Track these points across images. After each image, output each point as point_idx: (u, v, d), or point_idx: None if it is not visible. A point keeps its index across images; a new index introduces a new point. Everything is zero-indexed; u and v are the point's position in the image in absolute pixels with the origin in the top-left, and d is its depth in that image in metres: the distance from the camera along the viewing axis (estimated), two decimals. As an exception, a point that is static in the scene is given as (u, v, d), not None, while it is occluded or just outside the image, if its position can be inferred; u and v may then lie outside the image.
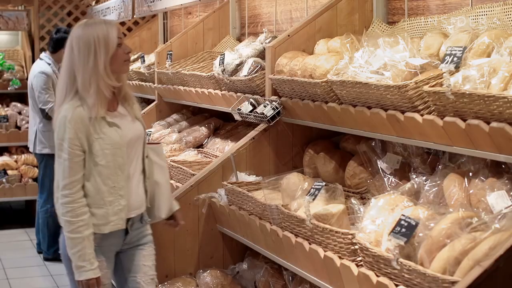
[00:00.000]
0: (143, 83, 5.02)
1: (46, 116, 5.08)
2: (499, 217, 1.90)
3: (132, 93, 2.57)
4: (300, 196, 2.53)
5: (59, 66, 5.29)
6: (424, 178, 2.31)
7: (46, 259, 5.35)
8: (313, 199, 2.39)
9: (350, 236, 2.20)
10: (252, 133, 3.21)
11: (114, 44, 2.40)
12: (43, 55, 5.24)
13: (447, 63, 2.08)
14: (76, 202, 2.35)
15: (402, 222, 1.99)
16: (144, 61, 5.12)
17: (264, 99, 3.13)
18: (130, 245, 2.54)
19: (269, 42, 3.42)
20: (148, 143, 2.60)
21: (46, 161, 5.22)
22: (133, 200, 2.48)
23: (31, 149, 5.32)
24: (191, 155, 3.93)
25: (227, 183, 3.03)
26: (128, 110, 2.49)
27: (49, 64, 5.13)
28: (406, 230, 1.97)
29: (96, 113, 2.35)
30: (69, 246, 2.38)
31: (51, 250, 5.33)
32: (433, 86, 2.12)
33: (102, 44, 2.39)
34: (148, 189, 2.53)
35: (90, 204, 2.39)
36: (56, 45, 5.14)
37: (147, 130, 2.81)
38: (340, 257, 2.24)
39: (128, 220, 2.47)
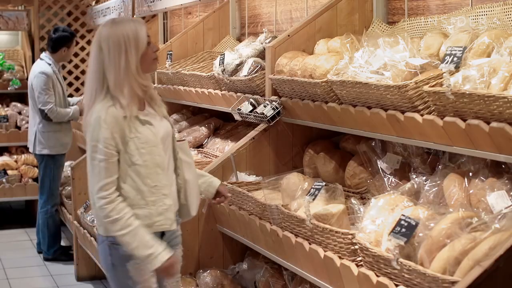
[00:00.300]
0: (143, 83, 5.02)
1: (46, 117, 5.06)
2: (499, 217, 1.90)
3: (157, 93, 2.54)
4: (300, 196, 2.53)
5: (59, 66, 5.22)
6: (424, 178, 2.31)
7: (46, 259, 5.35)
8: (313, 199, 2.39)
9: (350, 236, 2.20)
10: (252, 133, 3.21)
11: (144, 42, 2.37)
12: (43, 55, 5.21)
13: (447, 63, 2.08)
14: (115, 200, 2.30)
15: (402, 222, 1.99)
16: (144, 61, 5.12)
17: (264, 99, 3.13)
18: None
19: (269, 42, 3.42)
20: None
21: (46, 162, 5.20)
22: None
23: (30, 150, 5.30)
24: (191, 155, 3.93)
25: (227, 183, 3.03)
26: (156, 109, 2.46)
27: (50, 65, 5.09)
28: (406, 230, 1.97)
29: (130, 112, 2.31)
30: (128, 243, 2.30)
31: (51, 250, 5.33)
32: (433, 86, 2.12)
33: (132, 43, 2.35)
34: (180, 188, 2.49)
35: (130, 206, 2.33)
36: (56, 45, 5.12)
37: None
38: (340, 257, 2.24)
39: None
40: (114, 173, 2.32)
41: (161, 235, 2.45)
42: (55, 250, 5.35)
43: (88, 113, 2.39)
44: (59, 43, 5.13)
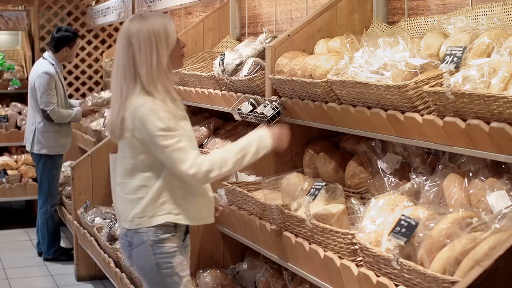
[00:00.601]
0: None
1: (47, 118, 5.04)
2: (499, 217, 1.90)
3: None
4: (300, 196, 2.53)
5: (61, 66, 5.20)
6: (424, 178, 2.30)
7: (46, 260, 5.35)
8: (313, 199, 2.39)
9: (350, 236, 2.20)
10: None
11: (174, 38, 2.36)
12: (46, 54, 5.18)
13: (447, 63, 2.08)
14: (207, 162, 2.29)
15: (402, 222, 1.99)
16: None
17: (264, 99, 3.13)
18: (184, 244, 2.51)
19: (269, 42, 3.42)
20: None
21: (44, 162, 5.18)
22: None
23: (28, 148, 5.27)
24: (191, 155, 3.93)
25: (227, 183, 3.03)
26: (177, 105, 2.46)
27: (53, 65, 5.06)
28: (406, 230, 1.97)
29: (169, 106, 2.32)
30: (239, 165, 2.35)
31: (51, 250, 5.33)
32: (433, 86, 2.12)
33: (163, 38, 2.33)
34: None
35: (183, 196, 2.36)
36: (58, 44, 5.10)
37: None
38: (340, 257, 2.24)
39: None
40: (191, 149, 2.31)
41: (186, 231, 2.47)
42: (55, 250, 5.35)
43: (122, 109, 2.34)
44: (61, 42, 5.10)
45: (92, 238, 4.59)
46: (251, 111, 3.17)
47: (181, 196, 2.37)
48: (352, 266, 2.17)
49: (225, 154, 2.36)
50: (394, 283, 1.99)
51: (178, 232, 2.44)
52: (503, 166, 2.14)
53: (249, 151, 2.36)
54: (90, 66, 7.11)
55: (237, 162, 2.34)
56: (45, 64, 5.10)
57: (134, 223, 2.40)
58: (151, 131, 2.30)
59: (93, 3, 6.97)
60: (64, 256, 5.33)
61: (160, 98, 2.31)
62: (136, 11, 5.70)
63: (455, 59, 2.08)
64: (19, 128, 6.78)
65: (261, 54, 3.48)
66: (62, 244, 5.56)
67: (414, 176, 2.36)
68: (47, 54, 5.18)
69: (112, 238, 4.11)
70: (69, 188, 5.36)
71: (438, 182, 2.23)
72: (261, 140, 2.38)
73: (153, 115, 2.29)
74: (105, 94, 5.63)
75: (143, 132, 2.33)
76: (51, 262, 5.35)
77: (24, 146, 6.84)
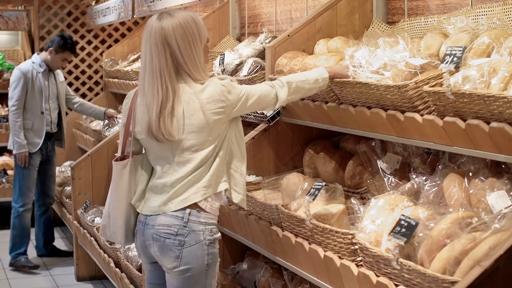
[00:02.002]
0: (143, 83, 5.01)
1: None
2: (499, 217, 1.90)
3: None
4: (300, 196, 2.53)
5: (46, 67, 5.08)
6: (424, 178, 2.30)
7: (10, 264, 5.19)
8: (313, 199, 2.39)
9: (350, 236, 2.20)
10: (252, 133, 3.21)
11: (206, 33, 2.41)
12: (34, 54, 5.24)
13: (447, 63, 2.08)
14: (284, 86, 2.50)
15: (402, 222, 1.99)
16: (144, 61, 5.11)
17: (264, 99, 3.12)
18: None
19: (269, 42, 3.42)
20: None
21: (16, 160, 5.17)
22: None
23: (8, 146, 5.26)
24: (191, 155, 3.92)
25: (227, 183, 3.03)
26: None
27: (33, 63, 5.07)
28: (406, 230, 1.97)
29: None
30: (303, 88, 2.53)
31: (12, 253, 5.19)
32: (433, 86, 2.12)
33: (196, 34, 2.36)
34: None
35: (236, 167, 2.42)
36: (48, 44, 5.14)
37: None
38: (340, 257, 2.24)
39: None
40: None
41: None
42: (18, 253, 5.18)
43: (171, 108, 2.31)
44: (51, 42, 5.12)
45: (92, 238, 4.59)
46: (251, 111, 3.17)
47: (239, 164, 2.43)
48: (352, 266, 2.17)
49: (292, 79, 2.52)
50: (394, 283, 1.99)
51: None
52: (503, 166, 2.14)
53: (305, 80, 2.52)
54: (90, 66, 7.11)
55: (300, 86, 2.51)
56: (26, 62, 5.19)
57: (199, 194, 2.36)
58: (236, 96, 2.37)
59: (93, 3, 6.97)
60: (25, 266, 5.14)
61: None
62: (136, 11, 5.70)
63: (455, 59, 2.08)
64: (18, 128, 6.78)
65: (261, 54, 3.48)
66: (62, 246, 5.54)
67: (414, 176, 2.36)
68: (35, 54, 5.22)
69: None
70: (69, 188, 5.35)
71: (438, 182, 2.23)
72: (322, 73, 2.52)
73: (229, 84, 2.37)
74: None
75: (230, 101, 2.36)
76: (48, 257, 5.36)
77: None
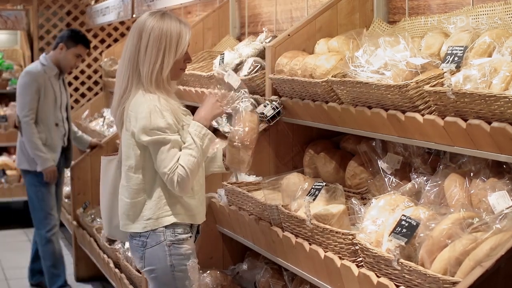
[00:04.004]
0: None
1: (16, 126, 4.44)
2: (500, 217, 1.89)
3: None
4: (300, 196, 2.53)
5: (56, 70, 4.46)
6: (425, 178, 2.30)
7: None
8: (313, 199, 2.39)
9: (350, 237, 2.20)
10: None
11: (184, 49, 2.33)
12: (41, 55, 4.58)
13: (448, 62, 2.07)
14: (182, 175, 2.30)
15: (403, 222, 1.99)
16: (143, 60, 5.08)
17: (264, 99, 3.12)
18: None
19: (269, 41, 3.41)
20: None
21: (29, 179, 4.43)
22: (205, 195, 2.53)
23: (16, 164, 4.55)
24: (190, 155, 3.92)
25: (227, 183, 3.02)
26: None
27: (43, 65, 4.42)
28: (406, 230, 1.96)
29: (173, 105, 2.33)
30: (196, 164, 2.33)
31: (53, 286, 4.49)
32: (434, 85, 2.11)
33: (173, 46, 2.30)
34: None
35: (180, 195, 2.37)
36: (57, 40, 4.54)
37: None
38: (340, 258, 2.23)
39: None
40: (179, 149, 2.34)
41: (197, 232, 2.49)
42: (60, 286, 4.50)
43: (125, 102, 2.33)
44: (60, 38, 4.48)
45: (91, 239, 4.58)
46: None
47: (178, 195, 2.37)
48: (353, 266, 2.16)
49: (191, 159, 2.33)
50: (395, 284, 1.98)
51: (193, 233, 2.46)
52: (504, 166, 2.14)
53: (202, 147, 2.35)
54: (89, 65, 7.10)
55: (196, 161, 2.33)
56: (34, 63, 4.51)
57: (141, 226, 2.38)
58: (141, 127, 2.29)
59: (93, 2, 6.96)
60: None
61: (162, 97, 2.33)
62: (136, 10, 5.69)
63: (456, 58, 2.07)
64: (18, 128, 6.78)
65: (261, 54, 3.47)
66: (62, 246, 5.40)
67: (414, 176, 2.36)
68: (42, 55, 4.57)
69: (111, 239, 4.10)
70: (68, 189, 5.35)
71: (439, 182, 2.23)
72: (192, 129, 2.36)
73: (154, 112, 2.29)
74: None
75: (136, 128, 2.33)
76: None
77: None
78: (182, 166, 2.30)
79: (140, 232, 2.39)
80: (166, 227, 2.38)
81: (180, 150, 2.32)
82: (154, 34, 2.29)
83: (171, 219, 2.37)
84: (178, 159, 2.30)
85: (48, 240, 4.45)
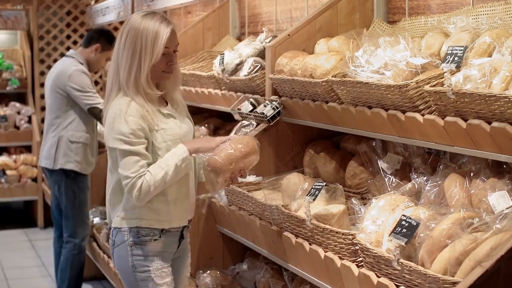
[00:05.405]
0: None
1: (97, 116, 4.04)
2: (500, 217, 1.89)
3: (181, 98, 2.46)
4: (300, 196, 2.53)
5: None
6: (425, 178, 2.30)
7: None
8: (314, 199, 2.39)
9: (350, 237, 2.20)
10: (252, 133, 3.20)
11: (159, 51, 2.23)
12: (71, 52, 4.34)
13: (448, 62, 2.07)
14: (146, 184, 2.23)
15: (403, 222, 1.99)
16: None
17: (264, 99, 3.12)
18: (178, 253, 2.48)
19: (269, 41, 3.41)
20: None
21: (68, 183, 4.15)
22: (192, 200, 2.43)
23: (48, 165, 4.15)
24: (190, 155, 3.91)
25: (227, 183, 3.02)
26: (175, 108, 2.41)
27: (82, 64, 4.24)
28: (407, 230, 1.96)
29: (149, 108, 2.26)
30: (164, 182, 2.25)
31: None
32: (434, 85, 2.11)
33: (149, 48, 2.22)
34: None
35: (156, 200, 2.30)
36: (91, 38, 4.32)
37: None
38: (340, 258, 2.23)
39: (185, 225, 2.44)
40: (144, 158, 2.24)
41: (180, 239, 2.44)
42: None
43: (107, 106, 2.33)
44: (95, 37, 4.27)
45: (91, 239, 4.58)
46: (251, 111, 3.17)
47: (159, 199, 2.31)
48: (353, 266, 2.16)
49: (157, 177, 2.26)
50: (395, 284, 1.98)
51: (165, 237, 2.38)
52: (504, 166, 2.14)
53: (167, 173, 2.25)
54: (89, 65, 7.10)
55: (162, 181, 2.25)
56: (72, 62, 4.20)
57: (114, 220, 2.40)
58: (108, 132, 2.27)
59: (93, 2, 6.96)
60: None
61: (139, 102, 2.26)
62: (136, 10, 5.69)
63: (456, 58, 2.07)
64: (18, 128, 6.78)
65: (261, 54, 3.47)
66: None
67: (415, 176, 2.36)
68: (72, 51, 4.34)
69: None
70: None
71: (439, 182, 2.23)
72: (180, 156, 2.28)
73: (119, 117, 2.24)
74: None
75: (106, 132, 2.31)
76: (47, 257, 5.27)
77: (23, 146, 6.86)
78: (151, 176, 2.23)
79: (112, 231, 2.40)
80: (130, 227, 2.34)
81: (143, 158, 2.25)
82: (131, 36, 2.24)
83: (134, 223, 2.33)
84: (143, 166, 2.24)
85: (82, 250, 4.28)
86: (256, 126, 3.15)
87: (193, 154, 2.31)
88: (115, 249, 2.40)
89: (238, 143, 2.30)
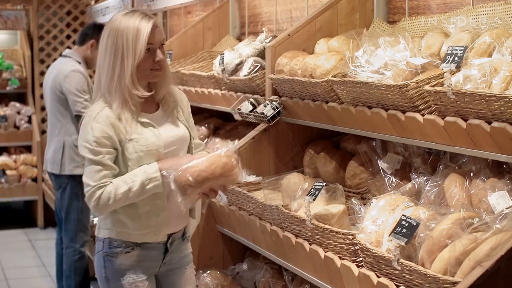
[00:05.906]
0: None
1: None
2: (500, 217, 1.89)
3: (177, 95, 2.34)
4: (300, 196, 2.53)
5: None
6: (425, 178, 2.30)
7: None
8: (314, 199, 2.39)
9: (350, 237, 2.20)
10: (252, 133, 3.20)
11: (142, 48, 2.11)
12: (67, 51, 4.26)
13: (448, 62, 2.07)
14: (106, 195, 2.14)
15: (403, 222, 1.98)
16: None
17: (264, 99, 3.12)
18: (170, 266, 2.33)
19: (269, 41, 3.41)
20: None
21: (73, 187, 4.08)
22: (175, 212, 2.25)
23: (55, 170, 4.08)
24: (190, 155, 3.91)
25: (227, 183, 3.02)
26: (169, 112, 2.28)
27: (79, 63, 4.16)
28: (407, 230, 1.96)
29: (124, 116, 2.15)
30: (126, 197, 2.14)
31: None
32: (434, 85, 2.11)
33: (130, 48, 2.11)
34: None
35: (123, 212, 2.19)
36: (85, 35, 4.21)
37: None
38: (340, 258, 2.23)
39: (169, 236, 2.26)
40: (107, 169, 2.15)
41: (164, 251, 2.29)
42: None
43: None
44: (89, 33, 4.16)
45: (91, 239, 4.58)
46: (251, 111, 3.17)
47: (123, 210, 2.20)
48: (353, 266, 2.16)
49: (118, 192, 2.15)
50: (395, 284, 1.98)
51: (141, 249, 2.24)
52: (504, 166, 2.14)
53: (130, 188, 2.14)
54: (89, 65, 7.10)
55: (124, 196, 2.14)
56: (70, 62, 4.13)
57: (96, 227, 2.34)
58: (79, 139, 2.21)
59: (93, 2, 6.96)
60: None
61: (116, 108, 2.14)
62: (136, 10, 5.68)
63: (456, 58, 2.07)
64: (18, 128, 6.78)
65: (261, 54, 3.47)
66: None
67: (415, 176, 2.36)
68: (68, 51, 4.25)
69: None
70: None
71: (439, 182, 2.23)
72: (149, 174, 2.15)
73: (87, 124, 2.15)
74: None
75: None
76: (47, 258, 5.26)
77: (23, 146, 6.86)
78: (113, 189, 2.13)
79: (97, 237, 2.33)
80: (104, 238, 2.26)
81: (106, 169, 2.15)
82: (112, 37, 2.14)
83: (107, 233, 2.25)
84: (106, 176, 2.14)
85: (83, 255, 4.20)
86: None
87: (164, 172, 2.14)
88: (94, 257, 2.32)
89: (212, 164, 2.13)
